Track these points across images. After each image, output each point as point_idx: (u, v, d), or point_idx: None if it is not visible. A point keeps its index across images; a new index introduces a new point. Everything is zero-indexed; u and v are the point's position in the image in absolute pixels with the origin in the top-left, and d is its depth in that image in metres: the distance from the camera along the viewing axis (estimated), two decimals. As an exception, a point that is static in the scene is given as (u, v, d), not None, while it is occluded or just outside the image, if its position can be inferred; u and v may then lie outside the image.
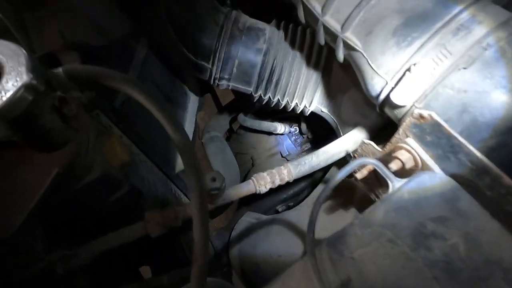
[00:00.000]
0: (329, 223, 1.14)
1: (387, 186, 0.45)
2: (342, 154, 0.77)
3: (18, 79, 0.40)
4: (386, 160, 0.50)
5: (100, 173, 0.61)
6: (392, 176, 0.44)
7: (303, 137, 1.65)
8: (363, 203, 1.04)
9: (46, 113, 0.47)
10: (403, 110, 0.50)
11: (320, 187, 1.17)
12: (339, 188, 1.14)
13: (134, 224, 0.67)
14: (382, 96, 0.53)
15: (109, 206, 0.72)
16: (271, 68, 0.89)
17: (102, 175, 0.62)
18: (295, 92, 0.92)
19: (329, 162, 0.77)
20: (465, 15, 0.45)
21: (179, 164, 1.27)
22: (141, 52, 0.87)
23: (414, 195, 0.39)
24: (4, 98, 0.39)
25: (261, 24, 0.91)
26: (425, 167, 0.45)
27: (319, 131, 1.59)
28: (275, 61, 0.88)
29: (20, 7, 0.61)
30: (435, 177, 0.41)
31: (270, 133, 1.64)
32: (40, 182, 0.52)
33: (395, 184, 0.43)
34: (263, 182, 0.73)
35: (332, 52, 0.86)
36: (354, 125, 0.84)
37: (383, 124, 0.75)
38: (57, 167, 0.53)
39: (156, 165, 1.09)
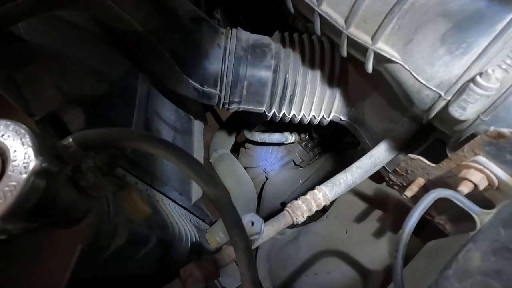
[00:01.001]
0: (362, 233, 1.08)
1: (460, 216, 0.40)
2: (378, 168, 0.71)
3: (26, 165, 0.34)
4: (444, 182, 0.45)
5: (126, 237, 0.55)
6: (476, 208, 0.39)
7: (314, 142, 1.60)
8: (398, 210, 0.99)
9: (62, 192, 0.40)
10: (464, 124, 0.44)
11: (350, 197, 1.11)
12: (370, 196, 1.08)
13: (169, 283, 0.60)
14: (434, 111, 0.47)
15: (138, 263, 0.66)
16: (284, 84, 0.83)
17: (129, 238, 0.56)
18: (311, 105, 0.86)
19: (365, 177, 0.72)
20: None
21: (195, 194, 1.21)
22: (143, 89, 0.81)
23: (512, 231, 0.33)
24: (14, 193, 0.33)
25: (265, 39, 0.85)
26: (503, 187, 0.39)
27: (329, 133, 1.53)
28: (287, 76, 0.82)
29: (7, 65, 0.55)
30: (528, 204, 0.35)
31: (281, 144, 1.58)
32: (66, 263, 0.46)
33: (482, 218, 0.38)
34: (299, 212, 0.67)
35: (346, 57, 0.80)
36: (383, 131, 0.78)
37: (416, 129, 0.69)
38: (80, 243, 0.47)
39: (173, 200, 1.04)
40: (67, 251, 0.46)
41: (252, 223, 0.56)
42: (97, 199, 0.49)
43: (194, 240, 1.01)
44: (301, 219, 0.68)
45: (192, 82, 0.79)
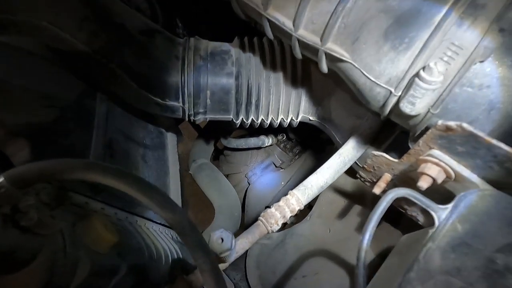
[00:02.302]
0: (345, 230, 1.08)
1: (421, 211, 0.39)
2: (348, 165, 0.70)
3: None
4: (408, 176, 0.44)
5: (89, 270, 0.51)
6: (433, 205, 0.38)
7: (292, 142, 1.59)
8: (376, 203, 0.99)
9: (0, 236, 0.37)
10: (418, 118, 0.44)
11: (331, 194, 1.11)
12: (350, 192, 1.08)
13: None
14: (387, 107, 0.46)
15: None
16: (248, 90, 0.81)
17: (93, 270, 0.53)
18: (278, 108, 0.85)
19: (336, 177, 0.71)
20: (463, 2, 0.39)
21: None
22: (102, 108, 0.78)
23: (469, 225, 0.33)
24: None
25: (224, 46, 0.83)
26: (459, 179, 0.39)
27: (306, 132, 1.53)
28: (250, 81, 0.81)
29: None
30: (484, 195, 0.35)
31: (259, 147, 1.57)
32: (17, 311, 0.43)
33: (440, 214, 0.37)
34: (273, 220, 0.66)
35: (307, 58, 0.79)
36: (350, 128, 0.78)
37: (381, 123, 0.69)
38: None
39: (149, 219, 1.00)
40: (19, 297, 0.43)
41: (222, 240, 0.54)
42: (48, 236, 0.45)
43: (176, 256, 0.97)
44: (275, 227, 0.66)
45: (153, 97, 0.76)
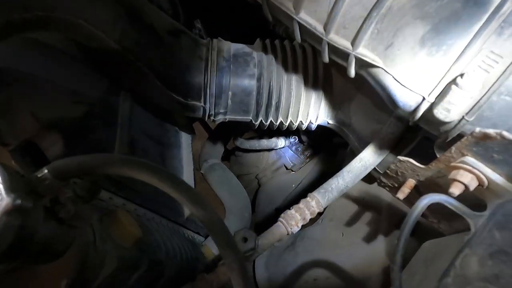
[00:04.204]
0: (358, 234, 1.08)
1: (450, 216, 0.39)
2: (368, 170, 0.71)
3: (-3, 204, 0.32)
4: (434, 183, 0.44)
5: (115, 265, 0.53)
6: (469, 211, 0.38)
7: (304, 145, 1.59)
8: (392, 209, 0.99)
9: (41, 226, 0.38)
10: (449, 125, 0.44)
11: (344, 199, 1.10)
12: (364, 197, 1.08)
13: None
14: (418, 113, 0.46)
15: (130, 289, 0.64)
16: (269, 92, 0.82)
17: (118, 264, 0.54)
18: (298, 110, 0.85)
19: (357, 181, 0.71)
20: (505, 9, 0.39)
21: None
22: (125, 106, 0.79)
23: (507, 233, 0.33)
24: (-15, 235, 0.30)
25: (247, 48, 0.84)
26: (493, 187, 0.39)
27: (318, 135, 1.53)
28: (271, 84, 0.82)
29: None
30: (521, 202, 0.35)
31: (270, 149, 1.57)
32: (50, 301, 0.44)
33: (476, 221, 0.37)
34: (293, 221, 0.66)
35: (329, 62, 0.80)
36: (370, 133, 0.78)
37: (403, 129, 0.69)
38: (65, 279, 0.44)
39: (164, 217, 1.01)
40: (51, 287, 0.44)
41: (246, 239, 0.54)
42: (81, 229, 0.47)
43: (189, 255, 0.98)
44: (295, 229, 0.67)
45: (176, 96, 0.77)
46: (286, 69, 0.82)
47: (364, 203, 1.06)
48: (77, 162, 0.39)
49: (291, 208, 0.69)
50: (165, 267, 0.77)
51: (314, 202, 0.68)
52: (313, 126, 0.92)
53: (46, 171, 0.37)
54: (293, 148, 1.61)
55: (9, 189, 0.32)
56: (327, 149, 1.56)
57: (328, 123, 0.90)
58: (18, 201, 0.32)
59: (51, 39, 0.68)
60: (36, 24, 0.50)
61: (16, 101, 0.54)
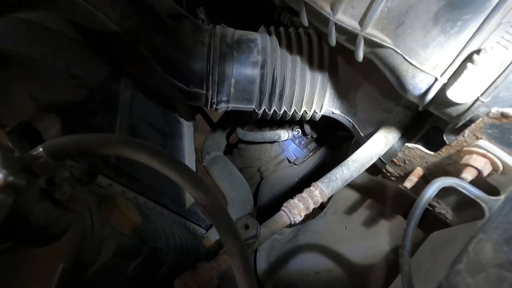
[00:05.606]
0: (362, 227, 1.06)
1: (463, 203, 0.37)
2: (374, 160, 0.69)
3: (-11, 180, 0.30)
4: (443, 170, 0.42)
5: (114, 250, 0.51)
6: (483, 195, 0.36)
7: (307, 138, 1.58)
8: (396, 202, 0.97)
9: (36, 207, 0.37)
10: (462, 107, 0.42)
11: (347, 191, 1.09)
12: (367, 189, 1.06)
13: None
14: (430, 95, 0.44)
15: (130, 276, 0.63)
16: (272, 80, 0.80)
17: (117, 251, 0.53)
18: (302, 99, 0.83)
19: (362, 171, 0.69)
20: None
21: (188, 199, 1.18)
22: (126, 93, 0.78)
23: (524, 218, 0.31)
24: (-24, 211, 0.29)
25: (250, 34, 0.82)
26: (508, 171, 0.37)
27: (322, 128, 1.51)
28: (275, 71, 0.80)
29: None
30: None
31: (273, 141, 1.56)
32: (47, 284, 0.43)
33: (491, 205, 0.35)
34: (296, 210, 0.64)
35: (335, 48, 0.77)
36: (377, 123, 0.76)
37: (411, 118, 0.67)
38: (62, 261, 0.43)
39: (165, 207, 1.00)
40: (47, 271, 0.43)
41: (247, 226, 0.53)
42: (79, 212, 0.45)
43: (190, 245, 0.97)
44: (298, 218, 0.65)
45: (177, 83, 0.75)
46: (290, 56, 0.80)
47: (368, 195, 1.04)
48: (74, 141, 0.38)
49: (294, 197, 0.67)
50: (165, 255, 0.76)
51: (318, 192, 0.67)
52: (318, 116, 0.90)
53: (41, 149, 0.36)
54: (296, 141, 1.59)
55: (1, 165, 0.31)
56: (331, 143, 1.54)
57: (332, 113, 0.88)
58: (11, 178, 0.31)
59: (50, 22, 0.67)
60: (34, 2, 0.49)
61: (14, 82, 0.53)
